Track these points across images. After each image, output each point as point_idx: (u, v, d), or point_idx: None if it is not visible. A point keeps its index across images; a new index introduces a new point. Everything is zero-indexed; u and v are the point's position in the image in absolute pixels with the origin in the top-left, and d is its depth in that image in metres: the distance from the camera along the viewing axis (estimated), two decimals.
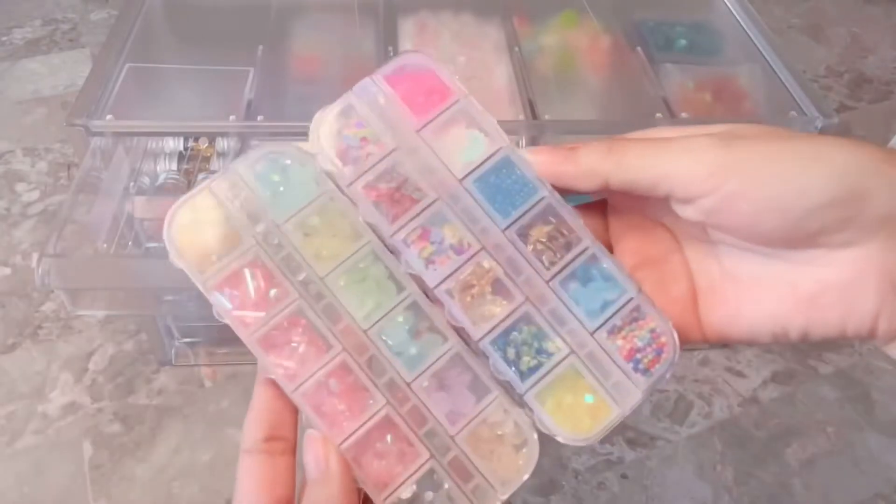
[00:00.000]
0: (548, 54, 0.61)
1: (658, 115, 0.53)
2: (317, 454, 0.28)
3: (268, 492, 0.27)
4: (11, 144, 0.89)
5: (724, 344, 0.29)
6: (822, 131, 0.53)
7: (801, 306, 0.28)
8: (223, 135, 0.56)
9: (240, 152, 0.55)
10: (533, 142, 0.52)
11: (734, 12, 0.65)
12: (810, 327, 0.28)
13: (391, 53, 0.59)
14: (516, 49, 0.60)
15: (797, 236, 0.28)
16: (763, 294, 0.29)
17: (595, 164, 0.29)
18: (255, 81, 0.55)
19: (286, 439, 0.28)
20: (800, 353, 0.70)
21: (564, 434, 0.26)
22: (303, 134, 0.52)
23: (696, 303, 0.30)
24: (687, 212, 0.28)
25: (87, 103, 0.50)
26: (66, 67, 1.02)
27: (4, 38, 1.07)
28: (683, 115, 0.53)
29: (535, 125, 0.52)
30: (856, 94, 1.05)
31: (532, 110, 0.54)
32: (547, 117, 0.53)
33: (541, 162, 0.30)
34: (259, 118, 0.51)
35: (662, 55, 0.61)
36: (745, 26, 0.64)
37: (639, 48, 0.61)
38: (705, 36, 0.64)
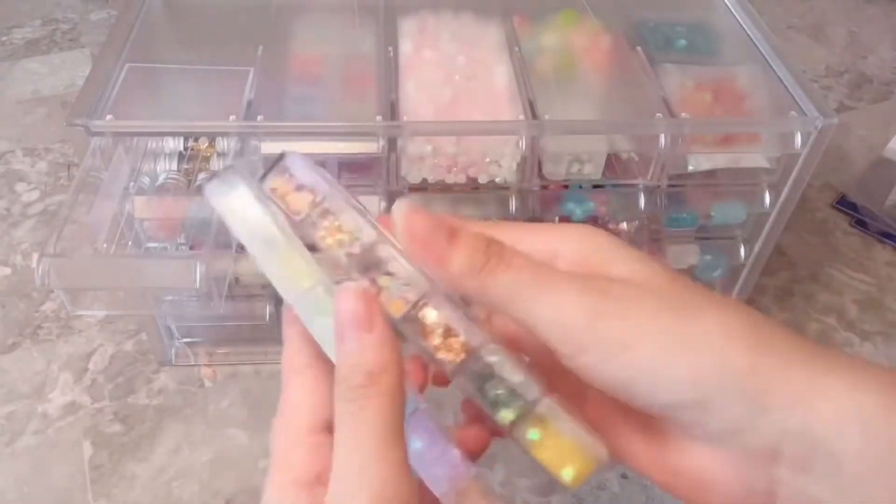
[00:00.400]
0: (548, 54, 0.61)
1: (658, 115, 0.53)
2: (355, 309, 0.24)
3: (312, 398, 0.26)
4: (11, 144, 0.89)
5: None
6: (822, 131, 0.53)
7: (662, 475, 0.28)
8: (223, 135, 0.56)
9: (240, 152, 0.55)
10: (533, 142, 0.52)
11: (734, 12, 0.65)
12: (672, 491, 0.28)
13: (391, 53, 0.59)
14: (516, 49, 0.60)
15: (657, 420, 0.27)
16: (656, 447, 0.28)
17: (463, 280, 0.26)
18: (255, 81, 0.55)
19: (327, 369, 0.26)
20: None
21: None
22: (303, 134, 0.53)
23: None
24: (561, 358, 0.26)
25: (87, 103, 0.50)
26: (66, 67, 1.02)
27: (4, 38, 1.07)
28: (683, 115, 0.53)
29: (535, 125, 0.52)
30: (856, 94, 1.05)
31: (532, 110, 0.54)
32: (547, 117, 0.53)
33: (412, 247, 0.26)
34: (259, 118, 0.51)
35: (662, 55, 0.61)
36: (745, 26, 0.64)
37: (639, 48, 0.61)
38: (705, 36, 0.64)
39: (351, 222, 0.26)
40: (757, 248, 0.61)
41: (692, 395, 0.24)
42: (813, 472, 0.24)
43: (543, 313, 0.25)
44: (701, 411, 0.25)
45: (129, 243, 0.55)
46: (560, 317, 0.25)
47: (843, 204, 0.86)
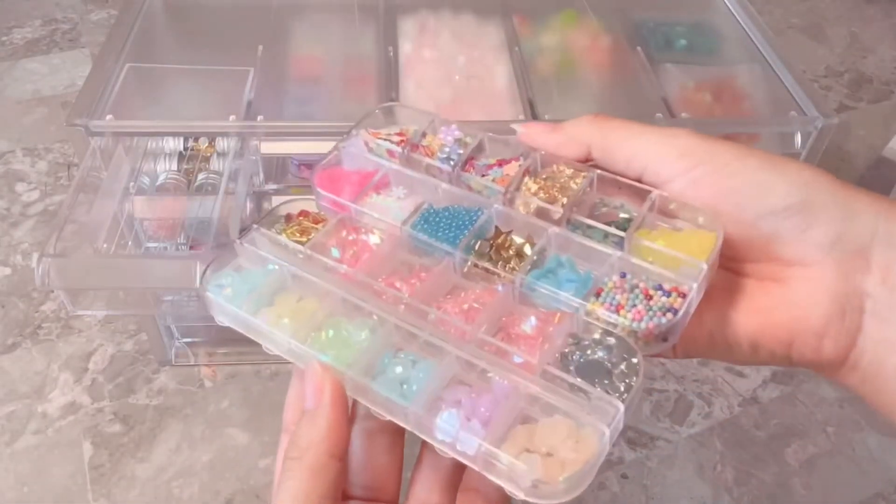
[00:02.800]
0: (548, 54, 0.61)
1: (658, 115, 0.53)
2: (315, 384, 0.27)
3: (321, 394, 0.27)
4: (11, 144, 0.89)
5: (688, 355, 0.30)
6: (822, 131, 0.53)
7: (753, 317, 0.29)
8: (223, 135, 0.56)
9: (240, 152, 0.55)
10: None
11: (734, 12, 0.65)
12: (760, 340, 0.29)
13: (391, 53, 0.59)
14: (516, 49, 0.60)
15: (753, 239, 0.29)
16: (724, 301, 0.29)
17: (579, 133, 0.31)
18: (255, 81, 0.55)
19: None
20: None
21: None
22: (302, 133, 0.53)
23: None
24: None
25: (87, 103, 0.50)
26: (66, 67, 1.02)
27: (4, 38, 1.07)
28: (683, 115, 0.53)
29: None
30: (856, 94, 1.05)
31: (532, 110, 0.54)
32: (547, 117, 0.53)
33: (528, 132, 0.31)
34: (259, 118, 0.51)
35: (662, 55, 0.61)
36: (745, 26, 0.64)
37: (639, 48, 0.61)
38: (705, 36, 0.64)
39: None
40: None
41: (797, 196, 0.28)
42: None
43: (660, 140, 0.29)
44: (804, 216, 0.28)
45: (129, 243, 0.55)
46: (674, 142, 0.29)
47: None
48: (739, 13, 0.65)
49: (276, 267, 0.28)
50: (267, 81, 0.56)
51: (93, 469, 0.58)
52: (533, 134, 0.31)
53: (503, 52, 0.61)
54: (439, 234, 0.28)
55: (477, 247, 0.28)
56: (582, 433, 0.24)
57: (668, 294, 0.26)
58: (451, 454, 0.24)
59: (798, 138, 0.54)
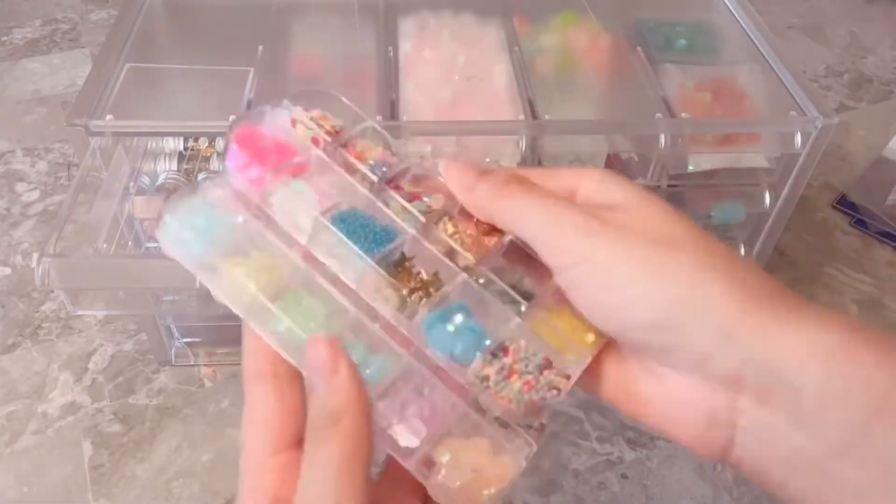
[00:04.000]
0: (548, 54, 0.61)
1: (658, 115, 0.53)
2: (321, 356, 0.25)
3: (277, 412, 0.26)
4: (11, 144, 0.89)
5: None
6: (822, 131, 0.53)
7: (630, 404, 0.29)
8: (223, 135, 0.56)
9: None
10: (533, 142, 0.52)
11: (734, 12, 0.65)
12: (635, 418, 0.29)
13: (391, 53, 0.59)
14: (516, 49, 0.60)
15: (631, 343, 0.28)
16: (631, 378, 0.29)
17: (485, 202, 0.29)
18: (255, 81, 0.55)
19: (290, 373, 0.27)
20: None
21: None
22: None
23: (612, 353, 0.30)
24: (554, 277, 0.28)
25: (87, 103, 0.50)
26: (66, 67, 1.02)
27: (4, 38, 1.07)
28: (683, 115, 0.53)
29: (535, 125, 0.52)
30: (856, 95, 1.05)
31: (532, 110, 0.54)
32: (547, 117, 0.53)
33: (449, 179, 0.30)
34: None
35: (662, 55, 0.61)
36: (745, 26, 0.64)
37: (639, 48, 0.61)
38: (705, 36, 0.64)
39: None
40: (757, 248, 0.61)
41: (665, 314, 0.26)
42: (773, 403, 0.25)
43: (545, 229, 0.28)
44: (672, 334, 0.26)
45: (129, 243, 0.55)
46: (559, 233, 0.28)
47: (843, 204, 0.86)
48: (739, 13, 0.65)
49: (244, 220, 0.28)
50: (267, 81, 0.56)
51: (93, 469, 0.58)
52: (452, 183, 0.30)
53: (503, 52, 0.61)
54: (354, 237, 0.27)
55: (385, 267, 0.27)
56: (502, 458, 0.26)
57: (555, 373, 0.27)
58: (388, 447, 0.25)
59: (798, 138, 0.54)
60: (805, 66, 1.09)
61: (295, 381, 0.27)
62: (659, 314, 0.26)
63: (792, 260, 0.80)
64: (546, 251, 0.28)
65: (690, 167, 0.57)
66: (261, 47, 0.59)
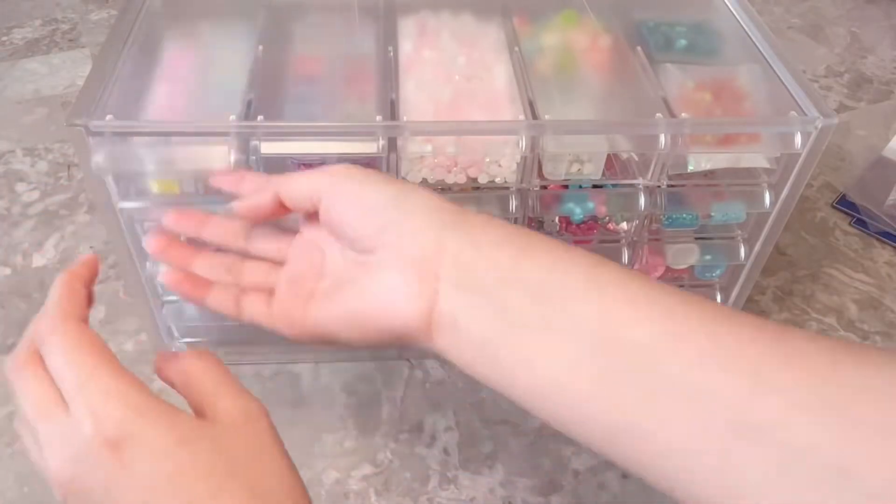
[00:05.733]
0: (548, 54, 0.61)
1: (658, 115, 0.53)
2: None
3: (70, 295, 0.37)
4: (11, 144, 0.89)
5: (317, 343, 0.41)
6: (822, 131, 0.53)
7: (363, 305, 0.38)
8: (223, 135, 0.56)
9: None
10: (533, 142, 0.52)
11: (734, 12, 0.65)
12: (367, 325, 0.38)
13: (391, 53, 0.59)
14: (516, 49, 0.60)
15: (362, 237, 0.38)
16: (350, 291, 0.39)
17: (268, 188, 0.42)
18: (254, 81, 0.55)
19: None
20: None
21: None
22: (302, 133, 0.54)
23: (315, 288, 0.40)
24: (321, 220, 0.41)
25: (87, 103, 0.50)
26: (66, 67, 1.02)
27: (4, 38, 1.07)
28: (683, 115, 0.53)
29: (535, 125, 0.52)
30: (856, 95, 1.05)
31: (532, 110, 0.54)
32: (547, 117, 0.53)
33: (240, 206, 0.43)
34: (259, 118, 0.51)
35: (662, 55, 0.61)
36: (745, 26, 0.64)
37: (639, 48, 0.61)
38: (705, 36, 0.64)
39: None
40: (757, 247, 0.61)
41: (387, 194, 0.39)
42: (445, 281, 0.36)
43: (295, 184, 0.42)
44: (391, 231, 0.38)
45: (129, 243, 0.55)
46: (316, 181, 0.41)
47: (843, 204, 0.86)
48: (739, 13, 0.65)
49: None
50: (267, 81, 0.56)
51: None
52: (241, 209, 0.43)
53: (503, 52, 0.61)
54: None
55: None
56: None
57: None
58: None
59: (798, 138, 0.54)
60: (805, 66, 1.09)
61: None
62: (385, 194, 0.38)
63: (792, 260, 0.80)
64: (305, 194, 0.40)
65: (690, 167, 0.57)
66: (261, 47, 0.59)
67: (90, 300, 0.38)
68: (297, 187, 0.40)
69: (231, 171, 0.46)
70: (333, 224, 0.40)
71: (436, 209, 0.37)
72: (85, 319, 0.36)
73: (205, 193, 0.54)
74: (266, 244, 0.44)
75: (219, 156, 0.50)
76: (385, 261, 0.37)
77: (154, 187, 0.54)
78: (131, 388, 0.34)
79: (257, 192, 0.42)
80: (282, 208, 0.41)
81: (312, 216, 0.42)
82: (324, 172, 0.40)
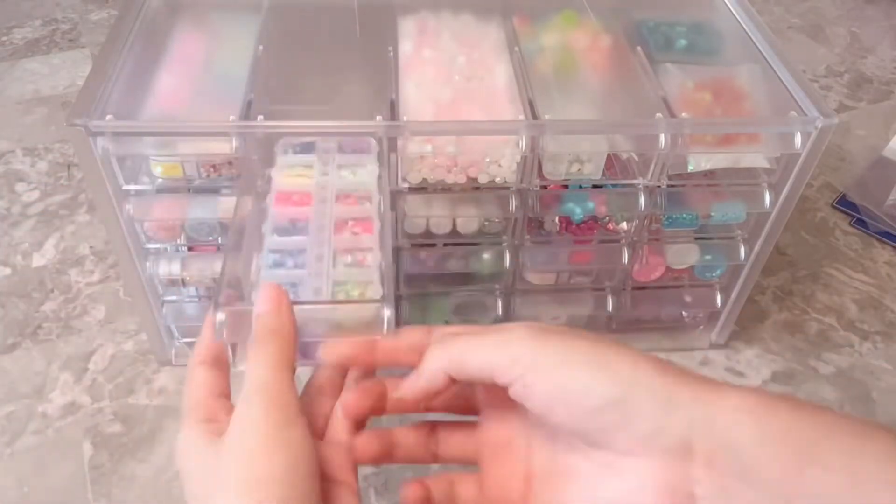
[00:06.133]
0: (548, 54, 0.61)
1: (658, 115, 0.53)
2: (271, 293, 0.35)
3: (210, 389, 0.35)
4: (11, 144, 0.89)
5: None
6: (822, 131, 0.53)
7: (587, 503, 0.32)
8: (223, 135, 0.56)
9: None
10: (533, 142, 0.52)
11: (734, 12, 0.65)
12: None
13: (391, 53, 0.59)
14: (516, 49, 0.60)
15: (586, 432, 0.32)
16: (579, 488, 0.33)
17: (438, 364, 0.35)
18: (254, 81, 0.55)
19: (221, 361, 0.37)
20: (800, 353, 0.71)
21: None
22: (302, 134, 0.54)
23: (529, 485, 0.35)
24: (511, 394, 0.33)
25: (87, 103, 0.50)
26: (66, 67, 1.02)
27: (4, 38, 1.07)
28: (683, 115, 0.53)
29: (535, 125, 0.52)
30: (856, 95, 1.05)
31: (532, 110, 0.54)
32: (547, 117, 0.53)
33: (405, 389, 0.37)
34: (259, 118, 0.51)
35: (662, 55, 0.61)
36: (745, 26, 0.64)
37: (639, 48, 0.61)
38: (705, 36, 0.64)
39: None
40: (757, 247, 0.61)
41: (614, 395, 0.30)
42: (721, 463, 0.29)
43: (492, 354, 0.33)
44: (622, 413, 0.30)
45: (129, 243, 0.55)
46: (500, 355, 0.33)
47: (843, 204, 0.86)
48: (739, 13, 0.65)
49: None
50: (267, 81, 0.56)
51: (93, 469, 0.58)
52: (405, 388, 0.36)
53: (503, 52, 0.61)
54: None
55: None
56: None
57: None
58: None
59: (798, 138, 0.54)
60: (805, 66, 1.09)
61: (224, 371, 0.37)
62: (611, 395, 0.30)
63: (792, 260, 0.80)
64: (499, 370, 0.32)
65: (690, 167, 0.57)
66: (260, 47, 0.59)
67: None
68: (482, 358, 0.33)
69: (390, 342, 0.37)
70: (538, 410, 0.33)
71: (664, 398, 0.30)
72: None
73: (207, 177, 0.54)
74: (452, 448, 0.39)
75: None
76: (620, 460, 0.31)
77: (157, 170, 0.54)
78: None
79: (423, 369, 0.35)
80: (452, 382, 0.35)
81: (492, 390, 0.35)
82: (516, 340, 0.33)
